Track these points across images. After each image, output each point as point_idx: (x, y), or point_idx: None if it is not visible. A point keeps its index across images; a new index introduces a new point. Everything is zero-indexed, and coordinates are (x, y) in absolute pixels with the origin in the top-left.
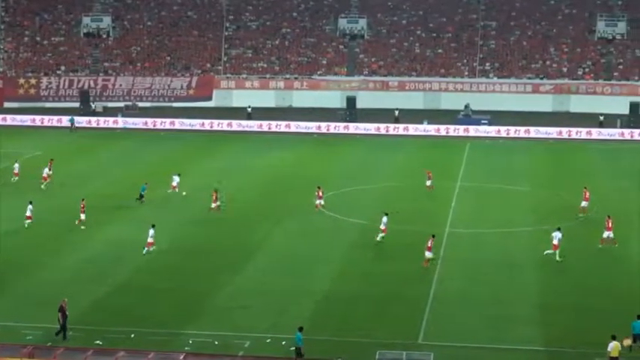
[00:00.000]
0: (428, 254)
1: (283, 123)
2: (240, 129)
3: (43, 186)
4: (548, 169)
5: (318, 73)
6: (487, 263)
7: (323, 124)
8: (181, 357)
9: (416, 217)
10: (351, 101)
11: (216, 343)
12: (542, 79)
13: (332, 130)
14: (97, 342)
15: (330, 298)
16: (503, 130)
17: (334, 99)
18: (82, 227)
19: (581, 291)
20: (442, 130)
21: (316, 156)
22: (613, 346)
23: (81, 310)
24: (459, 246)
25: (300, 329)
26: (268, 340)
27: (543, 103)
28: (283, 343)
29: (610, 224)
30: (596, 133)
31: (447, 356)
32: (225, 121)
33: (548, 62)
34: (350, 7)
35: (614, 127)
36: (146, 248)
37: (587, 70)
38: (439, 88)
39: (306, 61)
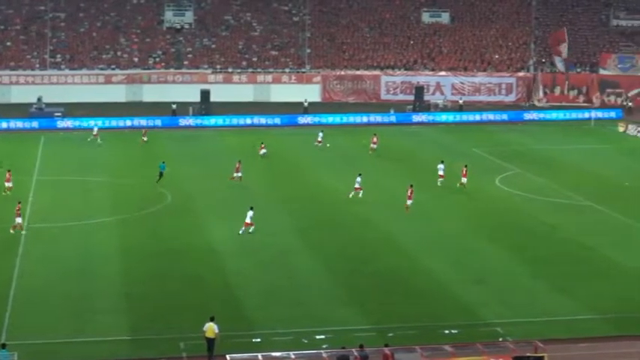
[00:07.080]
0: (409, 202)
1: None
2: None
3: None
4: (126, 160)
5: None
6: (70, 256)
7: None
8: None
9: None
10: None
11: None
12: (113, 69)
13: None
14: None
15: None
16: (78, 123)
17: None
18: (23, 232)
19: (164, 277)
20: (15, 124)
21: None
22: (207, 327)
23: None
24: (40, 241)
25: (4, 346)
26: None
27: (116, 93)
28: None
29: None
30: (170, 121)
31: (32, 354)
32: None
33: (119, 52)
34: None
35: (187, 114)
36: (244, 228)
37: (157, 59)
38: (9, 81)
39: None
